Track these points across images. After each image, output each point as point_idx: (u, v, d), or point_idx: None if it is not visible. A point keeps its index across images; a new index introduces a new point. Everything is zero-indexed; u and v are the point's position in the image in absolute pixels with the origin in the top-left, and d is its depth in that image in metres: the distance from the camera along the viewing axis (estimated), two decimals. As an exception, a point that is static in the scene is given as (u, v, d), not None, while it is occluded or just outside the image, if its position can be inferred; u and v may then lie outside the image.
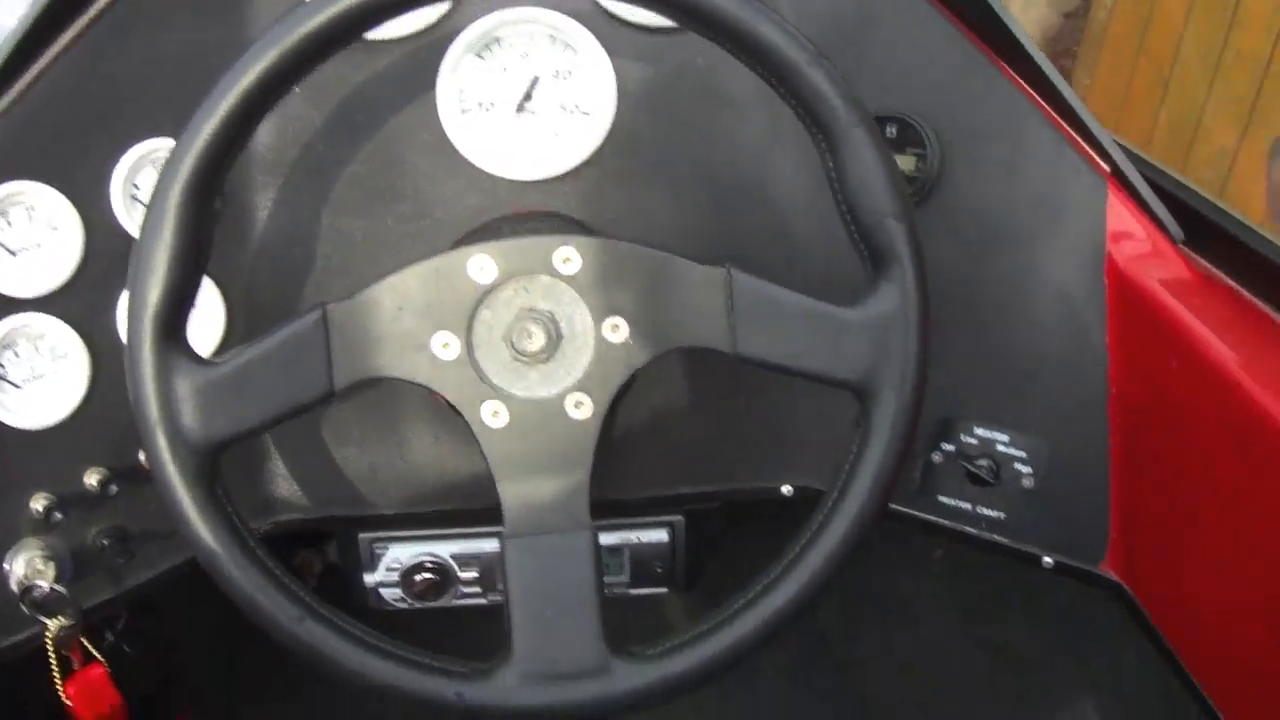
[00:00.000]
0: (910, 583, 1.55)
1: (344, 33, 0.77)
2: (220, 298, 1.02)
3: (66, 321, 1.00)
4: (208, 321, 1.02)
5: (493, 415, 0.83)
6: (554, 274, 0.82)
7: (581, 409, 0.84)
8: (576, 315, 0.84)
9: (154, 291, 0.78)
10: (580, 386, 0.84)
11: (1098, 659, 1.29)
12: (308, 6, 0.76)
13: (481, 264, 0.82)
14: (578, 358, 0.84)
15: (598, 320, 0.83)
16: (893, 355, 0.80)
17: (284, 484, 1.08)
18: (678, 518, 1.13)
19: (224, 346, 1.03)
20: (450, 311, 0.82)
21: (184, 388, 0.79)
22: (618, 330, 0.83)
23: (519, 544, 0.84)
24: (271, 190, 1.02)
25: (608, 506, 1.10)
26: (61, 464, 1.02)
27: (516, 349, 0.83)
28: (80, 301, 1.00)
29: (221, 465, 0.81)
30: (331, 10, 0.76)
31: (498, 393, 0.83)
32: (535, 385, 0.84)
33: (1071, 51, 3.00)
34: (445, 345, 0.83)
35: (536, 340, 0.82)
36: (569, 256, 0.82)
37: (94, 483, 1.02)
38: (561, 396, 0.84)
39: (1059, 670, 1.35)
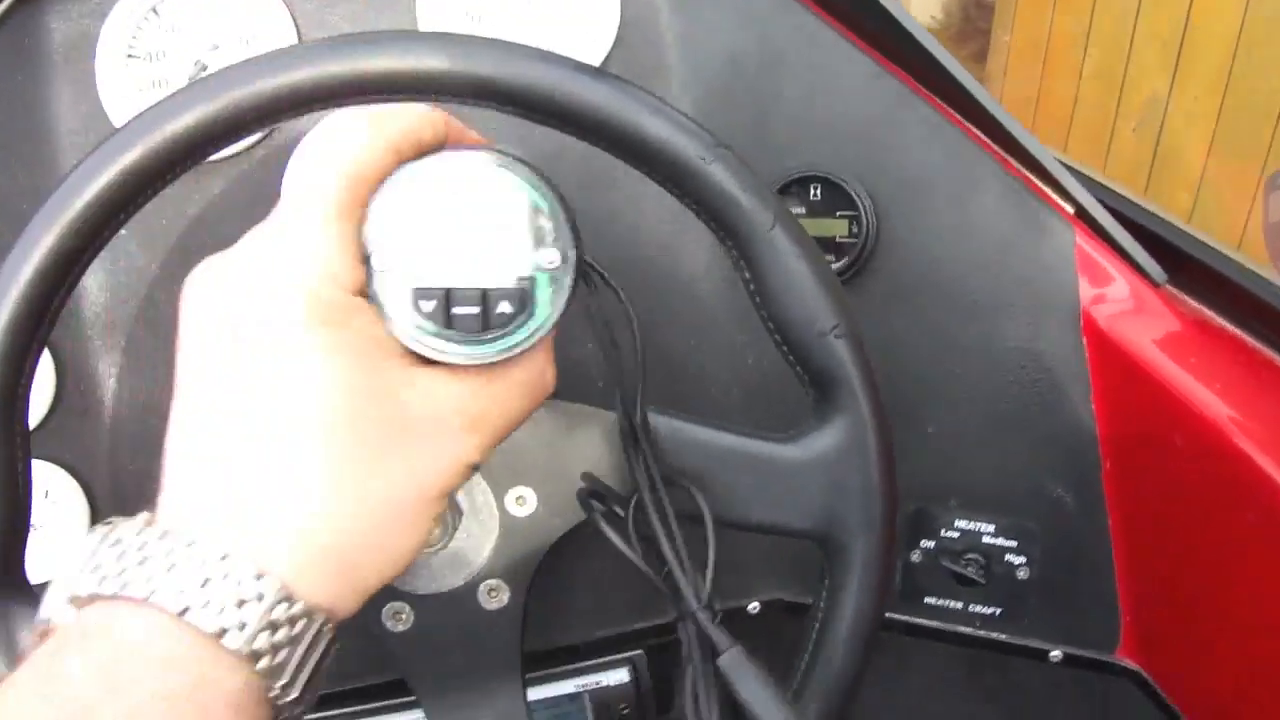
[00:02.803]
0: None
1: (141, 188, 0.61)
2: (80, 492, 0.87)
3: None
4: (70, 522, 0.87)
5: (395, 618, 0.69)
6: None
7: (496, 597, 0.70)
8: (475, 488, 0.70)
9: None
10: (490, 572, 0.70)
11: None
12: (88, 164, 0.61)
13: None
14: (483, 538, 0.70)
15: (499, 494, 0.69)
16: (852, 497, 0.66)
17: None
18: (638, 653, 0.99)
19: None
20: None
21: (31, 643, 0.64)
22: (524, 503, 0.69)
23: None
24: (115, 354, 0.86)
25: (557, 653, 0.97)
26: None
27: None
28: None
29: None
30: (119, 165, 0.60)
31: (396, 590, 0.69)
32: (439, 575, 0.70)
33: (987, 7, 2.87)
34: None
35: None
36: None
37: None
38: (472, 587, 0.70)
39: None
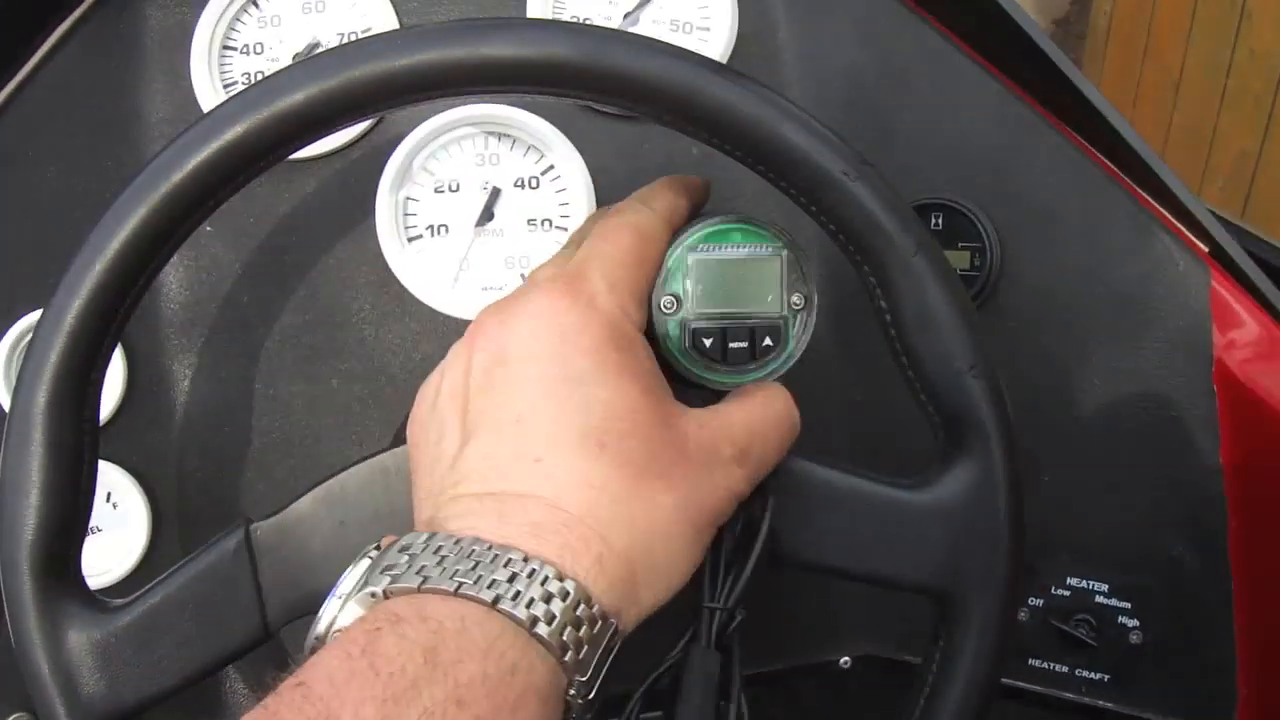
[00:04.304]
0: None
1: (235, 171, 0.57)
2: (141, 495, 0.83)
3: None
4: (129, 529, 0.84)
5: None
6: None
7: None
8: None
9: (28, 524, 0.58)
10: None
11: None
12: (180, 143, 0.57)
13: None
14: None
15: None
16: (977, 550, 0.60)
17: (248, 710, 0.88)
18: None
19: (148, 560, 0.84)
20: (406, 523, 0.63)
21: (79, 643, 0.60)
22: None
23: None
24: (190, 356, 0.83)
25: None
26: None
27: None
28: None
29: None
30: (215, 144, 0.56)
31: None
32: None
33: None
34: (403, 567, 0.64)
35: None
36: None
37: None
38: None
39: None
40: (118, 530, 0.83)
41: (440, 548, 0.48)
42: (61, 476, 0.59)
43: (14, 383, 0.62)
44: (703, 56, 0.57)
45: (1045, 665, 0.87)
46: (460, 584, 0.46)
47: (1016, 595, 0.61)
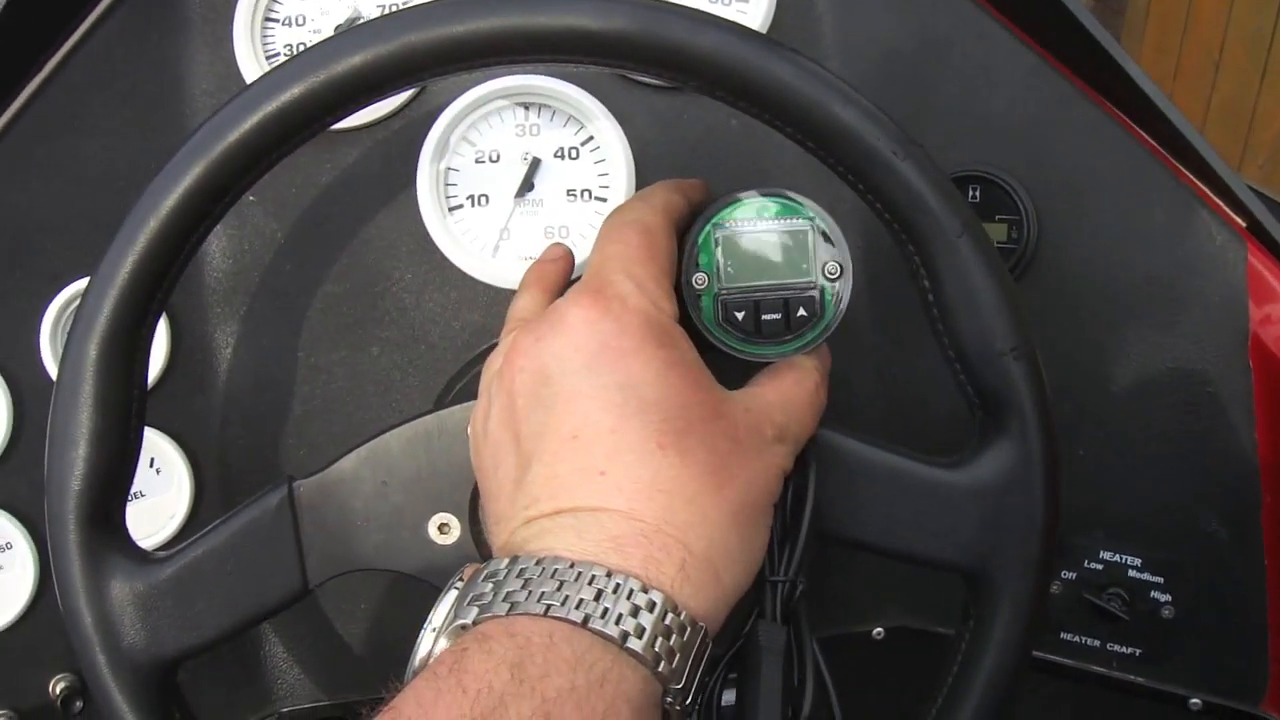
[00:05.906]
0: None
1: (288, 133, 0.58)
2: (184, 461, 0.85)
3: (1, 507, 0.84)
4: (171, 494, 0.85)
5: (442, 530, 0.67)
6: None
7: None
8: None
9: (74, 474, 0.60)
10: None
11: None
12: (237, 103, 0.58)
13: None
14: None
15: None
16: (1011, 533, 0.61)
17: (285, 669, 0.90)
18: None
19: (191, 522, 0.85)
20: (447, 484, 0.66)
21: (121, 593, 0.62)
22: None
23: None
24: (233, 324, 0.84)
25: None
26: (17, 671, 0.85)
27: None
28: (15, 482, 0.83)
29: (179, 680, 0.65)
30: (270, 106, 0.57)
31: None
32: None
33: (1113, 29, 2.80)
34: (443, 528, 0.66)
35: None
36: None
37: (58, 691, 0.86)
38: None
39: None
40: (160, 495, 0.85)
41: (523, 570, 0.49)
42: (109, 429, 0.60)
43: (61, 347, 0.63)
44: (755, 32, 0.58)
45: (1077, 639, 0.87)
46: (549, 606, 0.47)
47: (1049, 579, 0.63)
